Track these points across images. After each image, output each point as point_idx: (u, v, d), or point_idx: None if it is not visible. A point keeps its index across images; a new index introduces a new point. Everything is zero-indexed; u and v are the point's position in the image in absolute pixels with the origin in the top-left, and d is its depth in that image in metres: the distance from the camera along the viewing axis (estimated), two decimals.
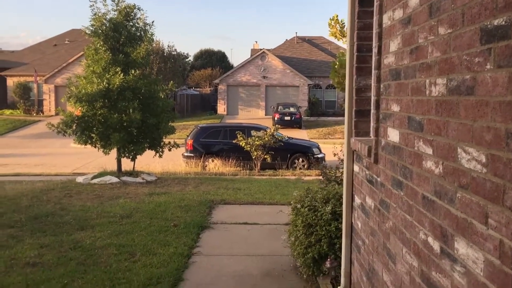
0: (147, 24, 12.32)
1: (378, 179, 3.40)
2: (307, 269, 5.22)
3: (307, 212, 5.19)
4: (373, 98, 3.47)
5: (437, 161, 2.27)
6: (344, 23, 12.03)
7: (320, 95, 41.56)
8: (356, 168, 4.24)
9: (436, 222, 2.28)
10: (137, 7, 12.14)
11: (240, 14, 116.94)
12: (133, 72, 11.80)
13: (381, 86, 3.36)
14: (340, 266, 4.66)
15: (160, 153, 12.66)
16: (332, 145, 25.87)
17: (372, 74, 4.08)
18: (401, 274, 2.83)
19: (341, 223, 5.01)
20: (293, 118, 32.74)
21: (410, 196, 2.67)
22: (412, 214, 2.65)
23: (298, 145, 18.57)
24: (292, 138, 19.36)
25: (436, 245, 2.29)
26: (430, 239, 2.37)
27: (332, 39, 41.05)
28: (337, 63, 10.94)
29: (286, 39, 47.28)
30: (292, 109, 33.97)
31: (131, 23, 12.22)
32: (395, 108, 3.00)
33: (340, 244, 4.98)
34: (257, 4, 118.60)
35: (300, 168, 17.34)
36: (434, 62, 2.32)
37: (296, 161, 17.61)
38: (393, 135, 3.03)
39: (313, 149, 18.12)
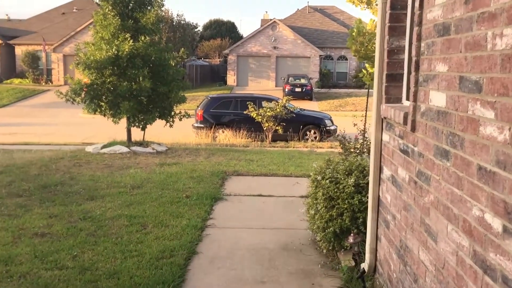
0: None
1: (415, 148, 3.08)
2: (327, 243, 4.97)
3: (328, 184, 4.90)
4: (411, 59, 3.12)
5: (502, 126, 1.94)
6: None
7: (332, 66, 40.84)
8: (385, 137, 3.91)
9: (498, 197, 1.97)
10: None
11: None
12: (142, 38, 11.42)
13: (422, 44, 3.00)
14: (364, 241, 4.40)
15: (171, 122, 12.38)
16: (344, 117, 25.52)
17: (407, 33, 3.72)
18: (445, 254, 2.54)
19: (364, 196, 4.73)
20: (304, 90, 32.26)
21: (460, 167, 2.36)
22: (462, 188, 2.34)
23: (310, 116, 18.23)
24: (304, 109, 18.95)
25: (496, 223, 1.98)
26: (487, 216, 2.06)
27: (347, 7, 40.13)
28: (355, 30, 10.45)
29: (298, 9, 46.40)
30: (303, 81, 33.47)
31: None
32: (441, 68, 2.66)
33: (363, 218, 4.71)
34: None
35: (312, 140, 17.05)
36: (501, 9, 1.97)
37: (308, 133, 17.29)
38: (438, 98, 2.69)
39: (325, 120, 17.77)
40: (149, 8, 11.90)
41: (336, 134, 7.88)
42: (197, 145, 14.47)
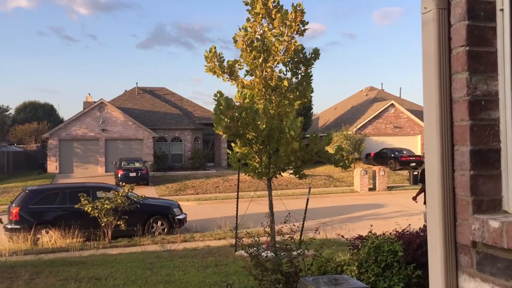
0: None
1: None
2: None
3: None
4: None
5: None
6: (222, 56, 9.54)
7: (166, 148, 38.86)
8: (475, 286, 1.84)
9: None
10: None
11: (66, 66, 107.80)
12: None
13: None
14: None
15: None
16: (186, 202, 23.20)
17: (509, 65, 1.81)
18: None
19: None
20: (139, 174, 29.48)
21: None
22: None
23: (157, 205, 15.75)
24: (148, 197, 16.32)
25: None
26: None
27: (177, 89, 39.31)
28: (223, 103, 8.63)
29: (126, 90, 44.04)
30: (137, 164, 30.72)
31: None
32: None
33: None
34: (85, 56, 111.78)
35: (159, 233, 14.47)
36: None
37: (155, 225, 14.68)
38: None
39: (174, 209, 15.44)
40: None
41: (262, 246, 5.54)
42: (12, 254, 10.87)
